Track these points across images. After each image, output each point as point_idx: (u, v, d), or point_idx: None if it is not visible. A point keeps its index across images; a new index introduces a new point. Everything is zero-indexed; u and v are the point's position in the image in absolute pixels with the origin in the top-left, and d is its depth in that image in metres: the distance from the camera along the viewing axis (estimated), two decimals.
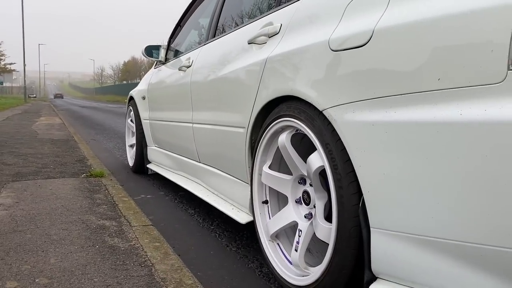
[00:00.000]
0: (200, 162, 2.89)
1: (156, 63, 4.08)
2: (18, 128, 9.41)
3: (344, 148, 1.36)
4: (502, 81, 0.94)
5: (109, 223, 2.52)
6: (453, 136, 1.02)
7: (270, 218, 1.92)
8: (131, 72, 78.00)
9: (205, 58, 2.75)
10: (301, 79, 1.58)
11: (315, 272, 1.53)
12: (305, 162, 1.61)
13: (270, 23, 1.98)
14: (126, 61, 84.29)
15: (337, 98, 1.37)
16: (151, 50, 3.95)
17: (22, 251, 2.05)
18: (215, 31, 2.84)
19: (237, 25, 2.54)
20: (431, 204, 1.10)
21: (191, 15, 3.66)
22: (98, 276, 1.78)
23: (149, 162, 4.23)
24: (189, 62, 3.00)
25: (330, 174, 1.43)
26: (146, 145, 4.21)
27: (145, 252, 2.06)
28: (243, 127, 2.06)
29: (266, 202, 1.96)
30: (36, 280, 1.73)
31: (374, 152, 1.24)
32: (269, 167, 1.90)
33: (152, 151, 4.07)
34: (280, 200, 1.94)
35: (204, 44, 2.90)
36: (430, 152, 1.08)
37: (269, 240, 1.88)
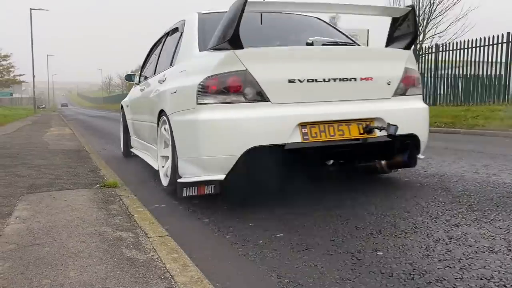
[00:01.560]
0: (149, 143, 4.61)
1: (135, 84, 6.02)
2: (29, 139, 9.49)
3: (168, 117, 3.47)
4: (195, 107, 2.89)
5: (125, 234, 2.52)
6: (185, 125, 3.06)
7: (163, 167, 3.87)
8: None
9: (148, 86, 4.65)
10: (165, 103, 3.58)
11: (170, 177, 3.54)
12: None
13: (164, 75, 3.91)
14: (133, 69, 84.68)
15: (171, 111, 3.37)
16: (130, 76, 6.35)
17: (41, 264, 2.06)
18: (155, 70, 4.66)
19: (161, 70, 4.28)
20: (186, 147, 3.09)
21: (151, 54, 5.46)
22: None
23: (132, 148, 6.00)
24: (143, 86, 4.94)
25: (167, 120, 3.52)
26: (130, 136, 6.07)
27: (164, 264, 2.06)
28: (155, 123, 4.01)
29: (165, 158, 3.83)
30: None
31: (178, 132, 3.18)
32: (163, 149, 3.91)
33: (133, 140, 5.87)
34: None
35: (151, 77, 4.73)
36: (184, 129, 3.11)
37: (165, 175, 3.83)
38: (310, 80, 2.87)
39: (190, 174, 3.01)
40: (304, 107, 2.87)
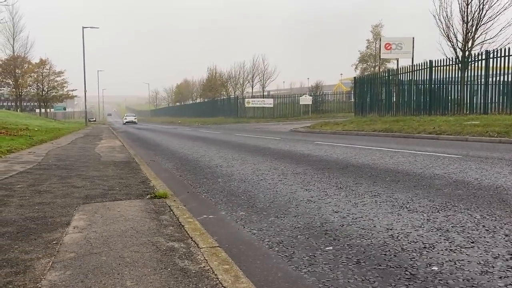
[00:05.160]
0: (122, 120, 65.16)
1: (123, 117, 67.92)
2: (82, 151, 9.91)
3: None
4: (122, 119, 70.62)
5: (177, 244, 2.58)
6: None
7: None
8: (184, 94, 79.85)
9: (124, 117, 65.41)
10: (124, 117, 68.48)
11: (123, 123, 61.01)
12: None
13: (124, 117, 65.50)
14: (178, 83, 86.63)
15: (123, 118, 68.14)
16: (123, 117, 65.84)
17: (99, 273, 2.14)
18: (124, 116, 64.46)
19: (124, 116, 66.08)
20: (123, 120, 66.30)
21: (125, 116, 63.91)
22: None
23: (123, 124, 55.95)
24: (123, 117, 66.27)
25: (124, 118, 65.48)
26: (123, 121, 59.69)
27: (216, 275, 2.09)
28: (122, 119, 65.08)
29: None
30: None
31: (123, 119, 64.53)
32: None
33: (122, 122, 60.53)
34: None
35: (123, 117, 65.03)
36: (123, 119, 65.75)
37: (121, 124, 60.93)
38: (127, 117, 58.43)
39: (123, 123, 53.86)
40: (127, 119, 56.15)
